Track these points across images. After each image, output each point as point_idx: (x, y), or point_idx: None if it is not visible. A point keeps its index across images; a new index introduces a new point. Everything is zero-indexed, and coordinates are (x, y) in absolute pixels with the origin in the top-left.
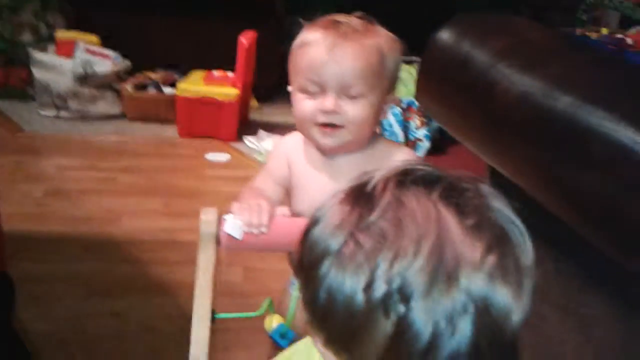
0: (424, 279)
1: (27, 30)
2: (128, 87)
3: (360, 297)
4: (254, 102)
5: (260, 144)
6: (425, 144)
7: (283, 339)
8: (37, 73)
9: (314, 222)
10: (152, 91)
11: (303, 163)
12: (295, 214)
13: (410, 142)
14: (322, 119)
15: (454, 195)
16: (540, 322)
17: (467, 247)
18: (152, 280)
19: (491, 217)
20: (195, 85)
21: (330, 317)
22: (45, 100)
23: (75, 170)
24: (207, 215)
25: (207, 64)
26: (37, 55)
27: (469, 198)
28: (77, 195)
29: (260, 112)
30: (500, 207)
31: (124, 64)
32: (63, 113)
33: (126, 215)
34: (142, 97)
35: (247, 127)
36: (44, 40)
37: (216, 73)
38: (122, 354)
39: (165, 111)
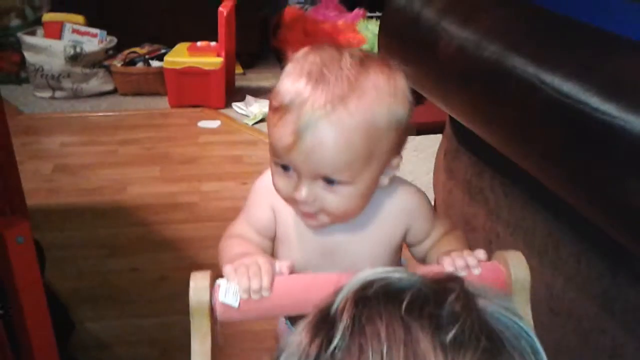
0: None
1: (14, 15)
2: (117, 63)
3: None
4: (238, 69)
5: (248, 108)
6: None
7: None
8: (29, 56)
9: (278, 353)
10: (140, 66)
11: (290, 210)
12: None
13: None
14: (299, 205)
15: (428, 304)
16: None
17: None
18: (162, 238)
19: (479, 325)
20: (180, 56)
21: None
22: (39, 82)
23: (77, 146)
24: (198, 282)
25: (190, 36)
26: (27, 39)
27: (449, 303)
28: (82, 169)
29: (245, 79)
30: (494, 308)
31: (110, 41)
32: (58, 93)
33: (130, 184)
34: (132, 72)
35: (235, 93)
36: (32, 24)
37: (199, 44)
38: (142, 300)
39: (155, 84)
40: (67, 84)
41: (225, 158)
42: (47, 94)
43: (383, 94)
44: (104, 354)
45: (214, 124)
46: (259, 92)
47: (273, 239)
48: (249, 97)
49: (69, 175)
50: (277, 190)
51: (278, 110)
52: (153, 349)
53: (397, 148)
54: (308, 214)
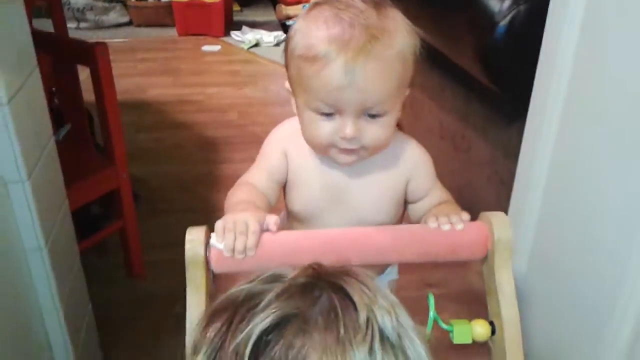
0: None
1: None
2: None
3: None
4: (235, 6)
5: (244, 36)
6: None
7: None
8: None
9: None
10: (152, 0)
11: (301, 156)
12: (290, 215)
13: None
14: (342, 144)
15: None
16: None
17: None
18: (176, 120)
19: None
20: None
21: None
22: (66, 14)
23: None
24: (193, 235)
25: None
26: None
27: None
28: None
29: (241, 14)
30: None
31: None
32: (83, 24)
33: (149, 88)
34: (145, 6)
35: (233, 25)
36: None
37: None
38: (165, 159)
39: (165, 16)
40: (90, 16)
41: (224, 72)
42: (73, 25)
43: (405, 27)
44: (140, 184)
45: (216, 47)
46: (254, 25)
47: (282, 185)
48: (245, 27)
49: None
50: (318, 138)
51: (317, 59)
52: (173, 184)
53: (411, 78)
54: (349, 151)
